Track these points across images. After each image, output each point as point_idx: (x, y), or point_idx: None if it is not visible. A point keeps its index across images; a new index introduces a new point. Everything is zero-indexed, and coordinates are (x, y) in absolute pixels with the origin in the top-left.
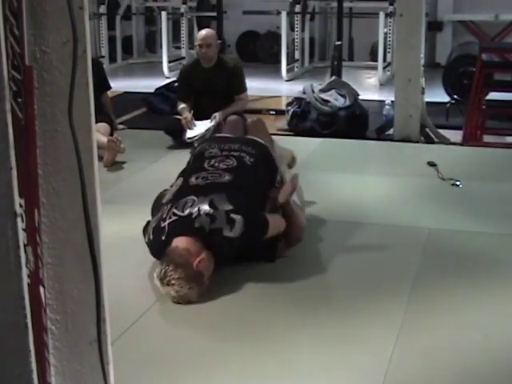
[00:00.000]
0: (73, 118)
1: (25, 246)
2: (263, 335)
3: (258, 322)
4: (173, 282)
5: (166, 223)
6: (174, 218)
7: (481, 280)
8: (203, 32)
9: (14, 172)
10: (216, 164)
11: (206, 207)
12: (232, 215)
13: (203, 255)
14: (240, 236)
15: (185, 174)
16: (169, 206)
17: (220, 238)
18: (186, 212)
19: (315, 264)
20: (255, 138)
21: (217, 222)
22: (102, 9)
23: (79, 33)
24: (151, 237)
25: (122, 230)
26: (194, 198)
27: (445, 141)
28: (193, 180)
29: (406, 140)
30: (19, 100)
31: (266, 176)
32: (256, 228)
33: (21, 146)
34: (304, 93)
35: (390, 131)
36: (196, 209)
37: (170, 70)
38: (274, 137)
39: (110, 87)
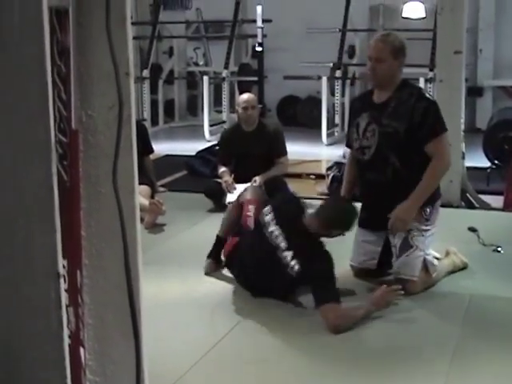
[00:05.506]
0: (117, 181)
1: (66, 306)
2: None
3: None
4: None
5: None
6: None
7: None
8: (245, 96)
9: (59, 234)
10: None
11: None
12: None
13: None
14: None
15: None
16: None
17: None
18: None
19: (352, 329)
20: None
21: None
22: (145, 73)
23: (124, 98)
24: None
25: (161, 292)
26: None
27: (485, 206)
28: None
29: (446, 205)
30: (65, 163)
31: None
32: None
33: (65, 207)
34: (344, 157)
35: None
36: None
37: (211, 133)
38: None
39: (152, 150)
